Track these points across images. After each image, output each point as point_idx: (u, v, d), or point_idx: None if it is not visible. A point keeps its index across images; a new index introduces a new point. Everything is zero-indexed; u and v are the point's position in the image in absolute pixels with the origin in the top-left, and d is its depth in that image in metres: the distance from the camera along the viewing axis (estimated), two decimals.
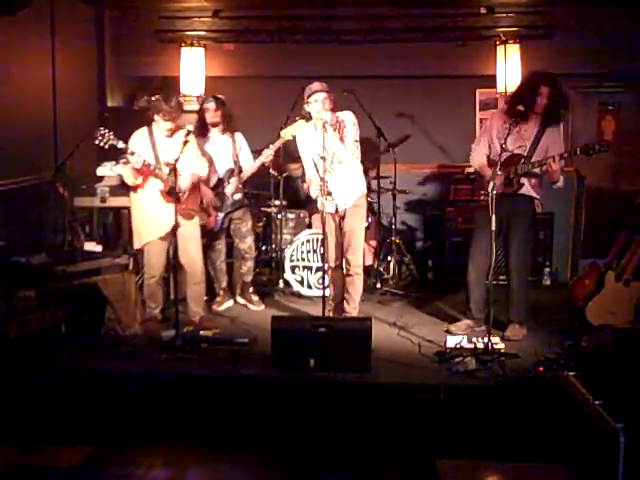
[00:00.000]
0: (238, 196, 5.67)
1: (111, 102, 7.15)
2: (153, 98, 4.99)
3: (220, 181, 5.63)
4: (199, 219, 5.30)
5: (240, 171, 5.65)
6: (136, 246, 5.19)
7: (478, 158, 5.01)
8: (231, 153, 5.65)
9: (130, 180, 4.99)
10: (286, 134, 5.22)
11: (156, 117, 4.97)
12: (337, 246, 5.13)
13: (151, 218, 5.03)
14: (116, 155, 6.12)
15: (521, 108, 4.68)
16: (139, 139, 5.02)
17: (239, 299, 5.92)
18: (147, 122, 5.06)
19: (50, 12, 5.98)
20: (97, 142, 4.80)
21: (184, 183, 4.99)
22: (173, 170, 4.77)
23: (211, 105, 5.58)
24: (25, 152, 5.53)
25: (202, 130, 5.60)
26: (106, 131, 4.79)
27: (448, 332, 5.03)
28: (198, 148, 5.23)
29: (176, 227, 4.79)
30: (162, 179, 4.94)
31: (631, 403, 3.34)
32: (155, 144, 5.00)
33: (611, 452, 3.11)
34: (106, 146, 4.82)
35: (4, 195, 5.29)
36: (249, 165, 5.65)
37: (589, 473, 3.42)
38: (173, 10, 6.97)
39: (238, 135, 5.72)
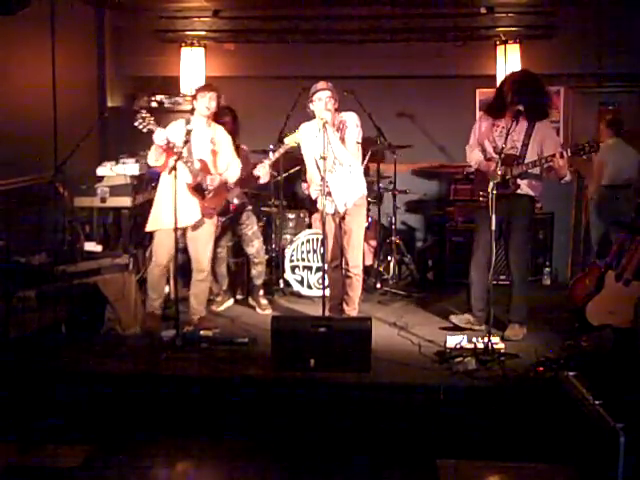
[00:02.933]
0: (238, 201, 5.67)
1: (111, 102, 7.15)
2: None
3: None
4: None
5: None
6: (148, 228, 5.13)
7: (475, 155, 5.03)
8: None
9: (152, 160, 4.96)
10: (290, 141, 5.22)
11: (195, 103, 5.00)
12: (337, 246, 5.13)
13: (172, 208, 4.94)
14: (117, 155, 6.15)
15: (520, 108, 4.71)
16: (175, 130, 4.97)
17: (250, 300, 5.93)
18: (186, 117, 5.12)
19: (50, 12, 5.98)
20: (137, 124, 4.76)
21: (214, 182, 4.99)
22: (187, 162, 4.79)
23: (228, 118, 5.55)
24: (25, 152, 5.53)
25: None
26: (147, 115, 4.77)
27: (448, 325, 5.06)
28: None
29: (198, 223, 4.86)
30: (191, 171, 4.93)
31: (631, 403, 3.34)
32: (190, 138, 4.92)
33: (611, 452, 3.12)
34: (144, 129, 4.78)
35: (4, 195, 5.28)
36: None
37: (589, 473, 3.42)
38: (173, 10, 6.97)
39: (242, 148, 5.70)
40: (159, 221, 5.02)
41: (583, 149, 4.59)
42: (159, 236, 5.06)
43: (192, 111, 5.14)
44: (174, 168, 4.70)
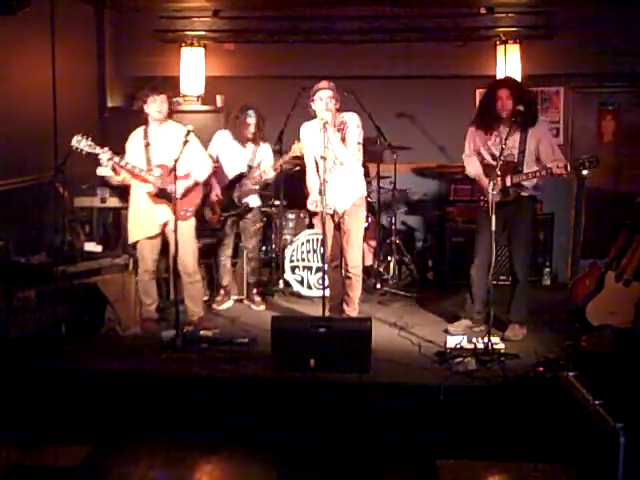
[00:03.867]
0: (247, 200, 5.67)
1: (111, 102, 7.15)
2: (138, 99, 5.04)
3: (231, 183, 5.64)
4: (206, 215, 5.46)
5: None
6: (130, 240, 5.19)
7: (473, 168, 5.03)
8: (248, 158, 5.65)
9: (114, 179, 5.04)
10: (295, 150, 5.22)
11: (146, 108, 4.98)
12: (336, 246, 5.13)
13: (141, 217, 5.06)
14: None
15: (521, 108, 4.70)
16: (134, 140, 5.04)
17: (244, 300, 5.96)
18: (143, 122, 5.07)
19: (50, 12, 5.98)
20: (74, 150, 4.84)
21: (179, 187, 4.95)
22: (173, 170, 4.76)
23: (252, 120, 5.54)
24: (25, 152, 5.53)
25: (240, 139, 5.58)
26: (82, 138, 4.81)
27: (447, 332, 5.04)
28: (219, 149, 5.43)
29: (165, 225, 4.82)
30: (149, 181, 4.96)
31: (631, 403, 3.34)
32: (149, 145, 5.01)
33: (611, 452, 3.12)
34: (84, 153, 4.85)
35: (4, 195, 5.29)
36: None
37: (589, 473, 3.42)
38: (173, 10, 6.97)
39: (265, 146, 5.69)
40: (137, 232, 5.11)
41: (583, 164, 4.59)
42: (140, 245, 5.13)
43: (145, 117, 5.05)
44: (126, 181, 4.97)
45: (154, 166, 4.98)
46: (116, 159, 4.89)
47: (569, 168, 4.63)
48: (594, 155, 4.64)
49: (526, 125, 4.80)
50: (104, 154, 4.85)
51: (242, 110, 5.59)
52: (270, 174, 5.56)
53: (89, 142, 4.83)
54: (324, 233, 4.83)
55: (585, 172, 4.66)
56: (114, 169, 4.95)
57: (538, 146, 4.81)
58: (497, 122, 4.82)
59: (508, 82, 4.95)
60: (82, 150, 4.84)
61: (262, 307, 5.84)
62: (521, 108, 4.70)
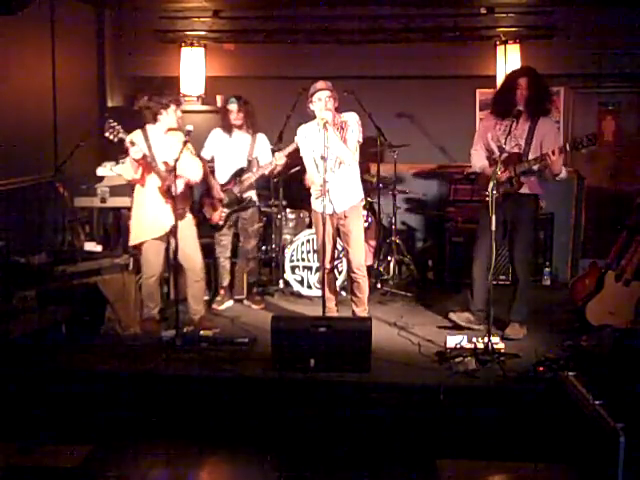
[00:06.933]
0: (248, 195, 5.70)
1: (111, 102, 7.15)
2: (150, 102, 4.99)
3: (232, 178, 5.66)
4: (207, 212, 5.54)
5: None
6: (130, 243, 5.18)
7: (479, 160, 5.02)
8: (247, 152, 5.66)
9: (129, 174, 4.98)
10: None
11: (163, 113, 4.97)
12: (332, 248, 5.13)
13: (148, 218, 5.04)
14: (117, 154, 6.15)
15: (520, 108, 4.71)
16: (135, 141, 4.98)
17: (244, 300, 5.96)
18: (141, 125, 5.06)
19: (50, 12, 5.99)
20: (107, 134, 4.78)
21: (178, 186, 4.97)
22: (173, 170, 4.76)
23: (234, 107, 5.60)
24: (25, 152, 5.53)
25: (227, 128, 5.66)
26: (115, 124, 4.78)
27: (448, 319, 5.09)
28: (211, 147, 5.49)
29: (175, 228, 4.80)
30: (160, 176, 4.95)
31: (631, 403, 3.34)
32: (151, 146, 5.00)
33: (611, 452, 3.12)
34: (115, 139, 4.79)
35: (4, 195, 5.29)
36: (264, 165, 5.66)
37: (589, 473, 3.42)
38: (173, 10, 6.97)
39: (261, 136, 5.72)
40: (140, 234, 5.08)
41: (581, 143, 4.59)
42: (146, 249, 5.11)
43: (145, 118, 5.05)
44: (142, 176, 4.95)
45: (159, 162, 4.99)
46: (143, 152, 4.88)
47: (568, 147, 4.63)
48: (593, 132, 4.64)
49: (537, 115, 4.81)
50: (135, 146, 4.80)
51: (225, 100, 5.72)
52: (280, 161, 5.55)
53: (121, 128, 4.79)
54: (323, 234, 4.82)
55: (584, 150, 4.65)
56: (136, 161, 4.87)
57: (542, 141, 4.81)
58: (511, 110, 4.76)
59: (529, 71, 4.89)
60: (117, 133, 4.76)
61: (261, 305, 5.85)
62: (521, 108, 4.71)
